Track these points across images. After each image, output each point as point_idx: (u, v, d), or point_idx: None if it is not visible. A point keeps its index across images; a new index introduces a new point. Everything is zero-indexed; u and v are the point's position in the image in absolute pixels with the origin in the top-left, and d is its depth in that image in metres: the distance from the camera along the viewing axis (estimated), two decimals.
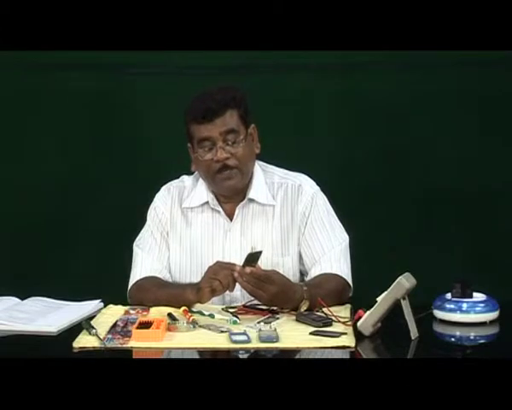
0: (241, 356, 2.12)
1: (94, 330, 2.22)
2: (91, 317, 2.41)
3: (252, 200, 2.62)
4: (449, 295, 2.33)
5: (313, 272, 2.57)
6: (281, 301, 2.37)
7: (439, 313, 2.32)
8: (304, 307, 2.36)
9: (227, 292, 2.51)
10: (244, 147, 2.56)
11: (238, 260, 2.44)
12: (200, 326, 2.27)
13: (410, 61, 3.45)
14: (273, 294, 2.34)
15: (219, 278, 2.37)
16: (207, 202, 2.64)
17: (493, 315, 2.31)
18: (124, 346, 2.15)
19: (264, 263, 2.55)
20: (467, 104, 3.50)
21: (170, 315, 2.34)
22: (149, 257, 2.64)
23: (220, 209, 2.63)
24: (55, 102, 3.54)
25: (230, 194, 2.61)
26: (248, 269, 2.32)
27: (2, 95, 3.54)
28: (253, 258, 2.36)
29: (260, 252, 2.39)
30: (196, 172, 2.66)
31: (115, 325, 2.29)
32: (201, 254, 2.62)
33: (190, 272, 2.61)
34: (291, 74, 3.51)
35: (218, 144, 2.53)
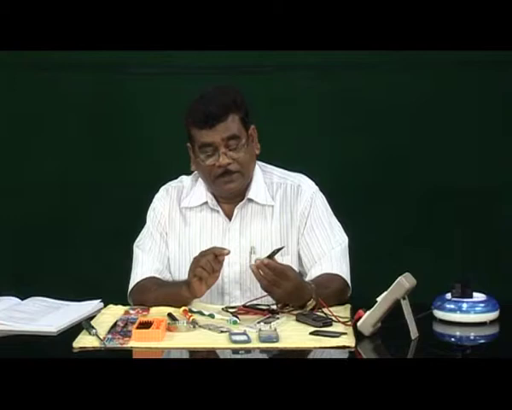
0: (241, 356, 2.12)
1: (94, 330, 2.22)
2: (91, 317, 2.41)
3: (251, 200, 2.62)
4: (449, 295, 2.33)
5: (313, 273, 2.57)
6: (293, 298, 2.37)
7: (438, 313, 2.32)
8: (311, 307, 2.36)
9: (227, 292, 2.52)
10: (246, 152, 2.55)
11: (237, 259, 2.44)
12: (200, 326, 2.27)
13: (410, 61, 3.45)
14: (287, 291, 2.33)
15: (201, 264, 2.37)
16: (206, 202, 2.64)
17: (493, 315, 2.31)
18: (124, 346, 2.15)
19: None
20: (467, 104, 3.50)
21: (170, 315, 2.34)
22: (149, 258, 2.64)
23: (219, 209, 2.63)
24: (54, 101, 3.54)
25: (231, 196, 2.61)
26: (266, 260, 2.32)
27: (2, 95, 3.54)
28: (273, 254, 2.36)
29: (281, 248, 2.39)
30: (195, 172, 2.67)
31: (115, 325, 2.28)
32: None
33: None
34: (291, 74, 3.51)
35: (220, 150, 2.52)
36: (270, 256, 2.35)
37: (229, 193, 2.59)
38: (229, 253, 2.37)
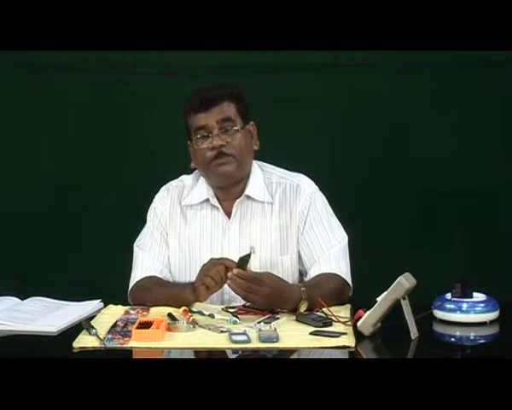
0: (241, 356, 2.12)
1: (94, 330, 2.22)
2: (91, 317, 2.41)
3: (249, 197, 2.63)
4: (449, 295, 2.33)
5: (312, 272, 2.57)
6: (276, 302, 2.37)
7: (438, 313, 2.32)
8: (303, 308, 2.35)
9: (226, 292, 2.52)
10: (240, 137, 2.57)
11: (236, 258, 2.43)
12: (200, 326, 2.27)
13: (410, 61, 3.45)
14: (265, 295, 2.33)
15: (211, 274, 2.38)
16: (207, 200, 2.64)
17: (493, 315, 2.31)
18: (124, 346, 2.15)
19: (262, 262, 2.57)
20: (467, 104, 3.50)
21: (170, 315, 2.34)
22: (150, 257, 2.64)
23: (219, 206, 2.64)
24: (54, 102, 3.54)
25: (226, 183, 2.60)
26: (235, 270, 2.33)
27: (2, 95, 3.54)
28: (243, 262, 2.36)
29: (249, 255, 2.38)
30: (196, 172, 2.67)
31: (115, 325, 2.29)
32: (200, 252, 2.62)
33: (190, 271, 2.61)
34: (291, 74, 3.51)
35: (214, 132, 2.54)
36: (240, 266, 2.35)
37: (224, 177, 2.58)
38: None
